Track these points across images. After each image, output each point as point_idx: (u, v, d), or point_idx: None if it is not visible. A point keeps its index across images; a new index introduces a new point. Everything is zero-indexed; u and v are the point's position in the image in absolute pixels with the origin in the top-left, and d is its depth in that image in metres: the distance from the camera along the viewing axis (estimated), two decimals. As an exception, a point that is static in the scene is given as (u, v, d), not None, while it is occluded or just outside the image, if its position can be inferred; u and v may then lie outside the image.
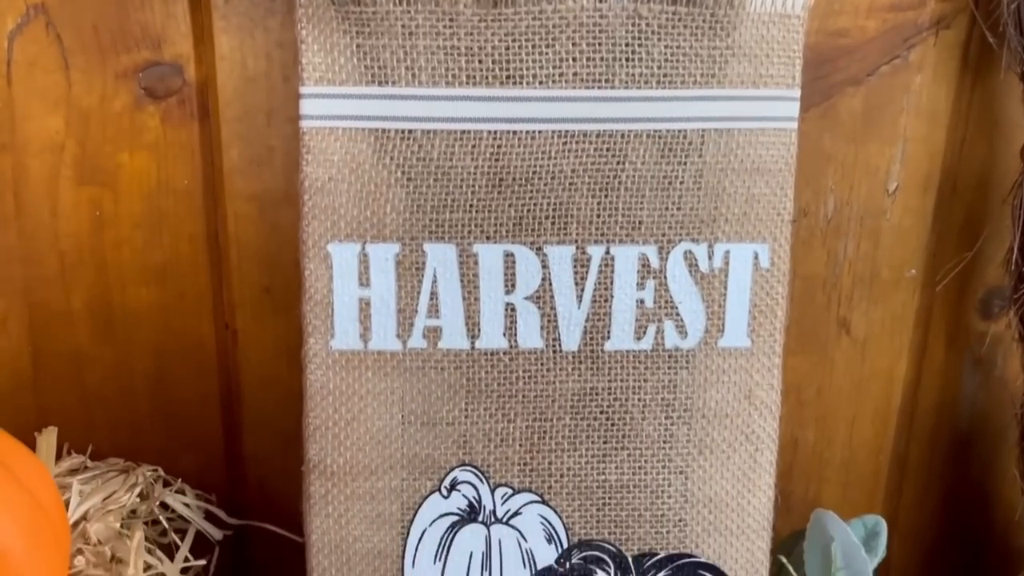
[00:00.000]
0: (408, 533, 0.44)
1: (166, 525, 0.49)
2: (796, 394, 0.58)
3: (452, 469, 0.44)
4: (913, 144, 0.53)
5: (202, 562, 0.51)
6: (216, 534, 0.52)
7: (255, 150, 0.49)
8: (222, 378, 0.53)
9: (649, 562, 0.45)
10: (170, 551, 0.49)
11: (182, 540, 0.49)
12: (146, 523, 0.48)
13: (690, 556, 0.45)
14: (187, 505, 0.51)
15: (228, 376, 0.53)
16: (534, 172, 0.41)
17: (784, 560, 0.49)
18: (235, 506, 0.55)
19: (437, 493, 0.44)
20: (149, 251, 0.50)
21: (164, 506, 0.49)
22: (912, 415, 0.59)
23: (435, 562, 0.44)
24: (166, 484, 0.50)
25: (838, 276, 0.56)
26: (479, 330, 0.42)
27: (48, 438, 0.47)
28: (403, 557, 0.44)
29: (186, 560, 0.49)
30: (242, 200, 0.50)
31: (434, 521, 0.44)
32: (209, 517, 0.52)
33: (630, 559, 0.45)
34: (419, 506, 0.44)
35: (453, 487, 0.44)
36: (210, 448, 0.55)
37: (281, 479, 0.55)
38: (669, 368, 0.44)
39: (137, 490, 0.47)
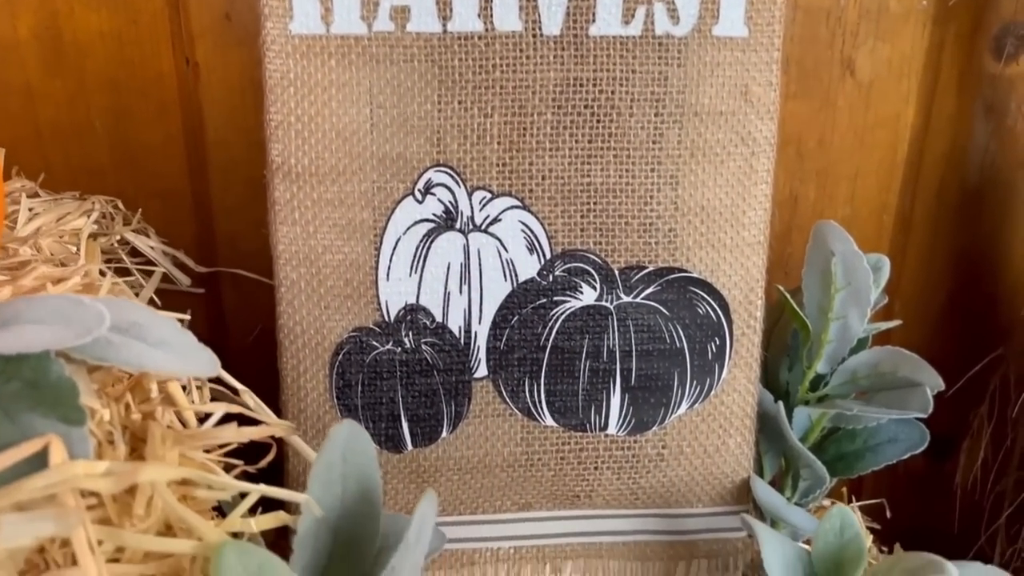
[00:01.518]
0: (381, 242, 0.41)
1: (130, 265, 0.46)
2: (796, 145, 0.55)
3: (426, 170, 0.41)
4: None
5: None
6: (184, 280, 0.49)
7: None
8: (185, 118, 0.50)
9: (637, 276, 0.43)
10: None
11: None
12: (108, 263, 0.46)
13: (681, 270, 0.43)
14: (152, 249, 0.48)
15: (191, 116, 0.50)
16: None
17: (781, 288, 0.46)
18: (206, 263, 0.52)
19: (411, 197, 0.41)
20: (97, -32, 0.46)
21: (125, 244, 0.47)
22: (919, 168, 0.56)
23: (411, 274, 0.42)
24: (126, 222, 0.47)
25: (843, 8, 0.52)
26: (451, 10, 0.39)
27: (-6, 157, 0.44)
28: (377, 269, 0.41)
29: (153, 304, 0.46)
30: (195, -94, 0.46)
31: (409, 228, 0.41)
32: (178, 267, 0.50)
33: (616, 272, 0.42)
34: (392, 212, 0.41)
35: (428, 190, 0.41)
36: (176, 197, 0.52)
37: (252, 233, 0.52)
38: (659, 59, 0.40)
39: (94, 216, 0.44)
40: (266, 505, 0.31)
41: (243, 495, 0.30)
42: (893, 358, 0.43)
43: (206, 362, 0.29)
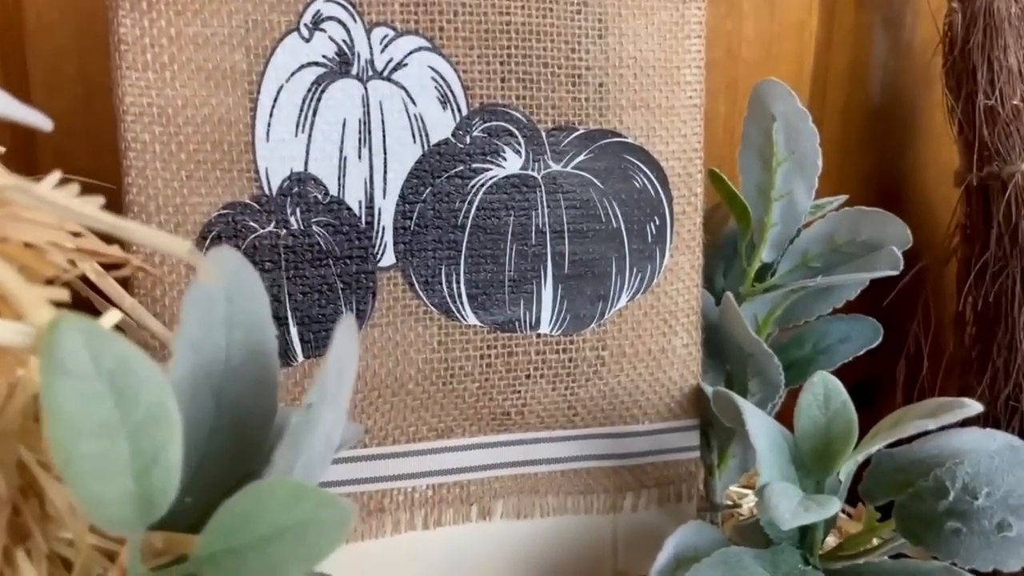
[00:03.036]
0: (259, 92, 0.33)
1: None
2: (706, 54, 0.51)
3: (313, -1, 0.33)
4: None
5: None
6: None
7: None
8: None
9: (566, 140, 0.37)
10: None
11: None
12: None
13: (614, 134, 0.37)
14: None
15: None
16: None
17: (717, 170, 0.41)
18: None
19: (295, 33, 0.33)
20: None
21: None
22: (825, 84, 0.54)
23: (297, 133, 0.34)
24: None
25: (744, -94, 0.50)
26: None
27: None
28: (253, 127, 0.33)
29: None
30: None
31: (293, 74, 0.33)
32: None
33: (543, 134, 0.36)
34: (272, 53, 0.33)
35: (316, 25, 0.33)
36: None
37: (83, 143, 0.43)
38: None
39: None
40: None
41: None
42: (851, 220, 0.39)
43: (39, 118, 0.21)
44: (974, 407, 0.29)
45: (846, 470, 0.32)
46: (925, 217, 0.54)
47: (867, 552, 0.35)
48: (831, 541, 0.40)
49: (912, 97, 0.55)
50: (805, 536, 0.34)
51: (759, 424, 0.32)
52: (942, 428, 0.34)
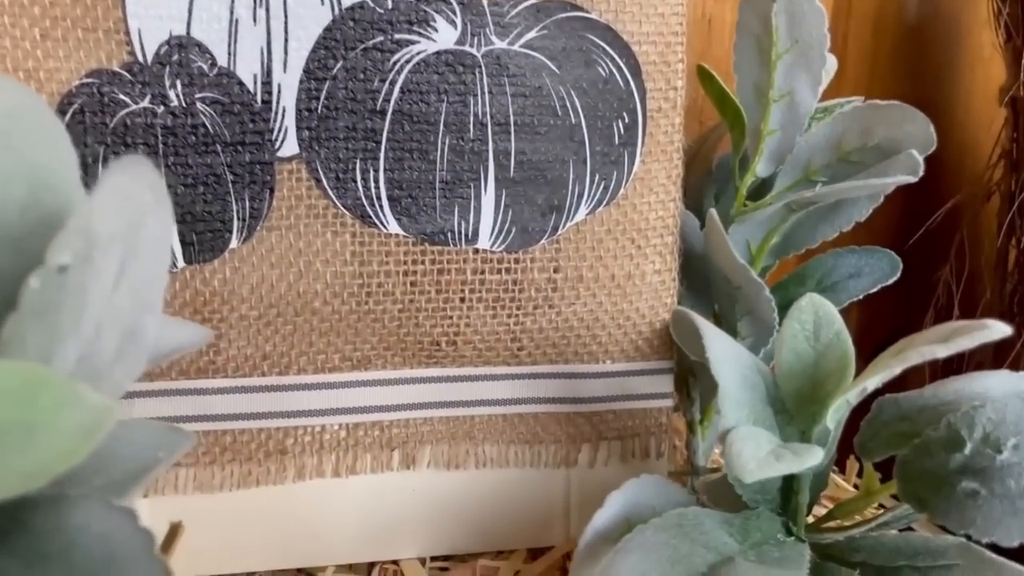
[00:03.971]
0: (128, -66, 0.27)
1: None
2: (708, -48, 0.44)
3: None
4: None
5: None
6: None
7: None
8: None
9: (513, 10, 0.30)
10: None
11: None
12: None
13: (573, 6, 0.31)
14: None
15: None
16: None
17: (705, 65, 0.35)
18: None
19: None
20: None
21: None
22: (851, -7, 0.47)
23: (176, -13, 0.28)
24: None
25: None
26: None
27: None
28: (122, -23, 0.27)
29: None
30: None
31: (170, -87, 0.28)
32: None
33: (484, 1, 0.30)
34: None
35: None
36: None
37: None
38: None
39: None
40: None
41: None
42: (862, 120, 0.31)
43: None
44: (998, 328, 0.22)
45: (836, 415, 0.25)
46: (965, 149, 0.47)
47: (866, 522, 0.28)
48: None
49: (955, 10, 0.47)
50: (788, 500, 0.28)
51: (725, 352, 0.25)
52: (963, 373, 0.27)
